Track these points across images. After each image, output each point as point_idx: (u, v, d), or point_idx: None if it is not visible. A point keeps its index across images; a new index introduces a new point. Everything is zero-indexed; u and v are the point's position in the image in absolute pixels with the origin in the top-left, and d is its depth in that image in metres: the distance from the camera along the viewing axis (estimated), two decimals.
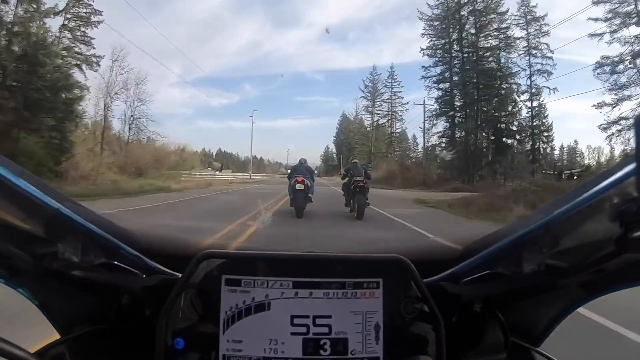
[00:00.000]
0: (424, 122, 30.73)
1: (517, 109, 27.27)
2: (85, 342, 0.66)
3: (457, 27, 28.71)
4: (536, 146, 26.92)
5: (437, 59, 30.27)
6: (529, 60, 26.51)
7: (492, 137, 27.20)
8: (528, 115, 27.18)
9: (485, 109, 27.64)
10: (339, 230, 7.49)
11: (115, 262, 0.62)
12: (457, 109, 29.21)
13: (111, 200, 11.35)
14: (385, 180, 28.12)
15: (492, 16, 27.36)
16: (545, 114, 27.17)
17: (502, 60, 27.45)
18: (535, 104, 26.96)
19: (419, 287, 0.64)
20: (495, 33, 27.53)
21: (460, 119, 29.16)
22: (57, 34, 19.05)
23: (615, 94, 20.99)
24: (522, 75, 26.81)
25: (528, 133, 27.14)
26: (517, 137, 27.34)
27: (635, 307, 2.77)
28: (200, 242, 0.80)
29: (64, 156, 16.47)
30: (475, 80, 27.59)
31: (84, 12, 20.29)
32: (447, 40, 29.58)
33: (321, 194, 11.80)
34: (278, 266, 0.65)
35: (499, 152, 25.85)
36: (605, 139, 21.93)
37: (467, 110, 28.50)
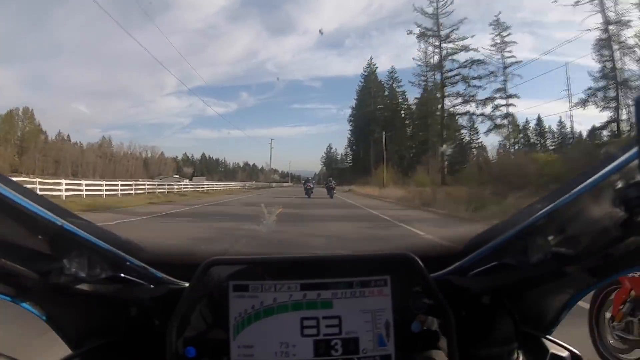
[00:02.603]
0: None
1: None
2: (96, 356, 0.66)
3: None
4: None
5: None
6: None
7: None
8: None
9: None
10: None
11: (122, 275, 0.62)
12: None
13: None
14: None
15: None
16: None
17: None
18: None
19: (427, 282, 0.64)
20: None
21: None
22: None
23: None
24: None
25: None
26: None
27: None
28: (206, 249, 0.80)
29: None
30: None
31: None
32: None
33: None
34: (285, 269, 0.65)
35: None
36: None
37: None
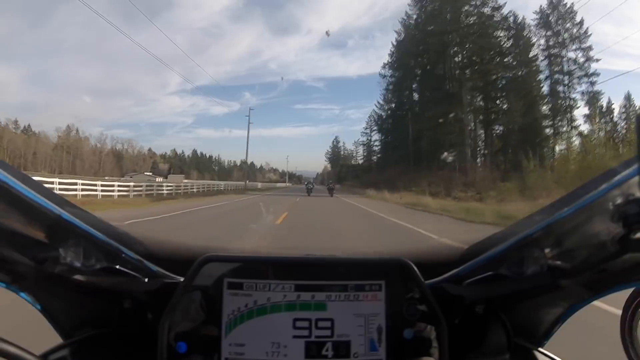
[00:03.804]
0: None
1: None
2: (87, 346, 0.66)
3: None
4: None
5: None
6: None
7: None
8: None
9: None
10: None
11: (117, 267, 0.62)
12: None
13: None
14: None
15: None
16: None
17: None
18: None
19: (422, 288, 0.64)
20: None
21: None
22: None
23: None
24: None
25: None
26: None
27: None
28: (202, 246, 0.79)
29: None
30: None
31: None
32: None
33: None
34: (280, 269, 0.65)
35: None
36: None
37: None
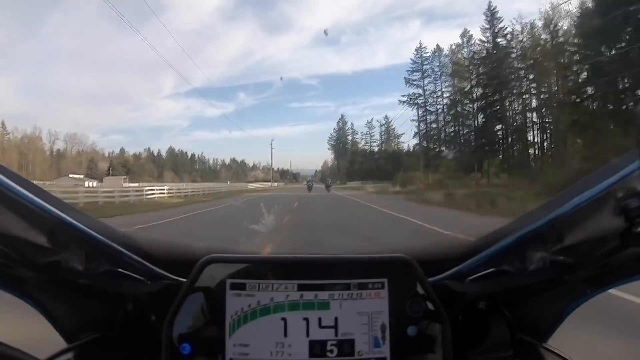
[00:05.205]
0: None
1: None
2: (91, 349, 0.66)
3: None
4: None
5: None
6: None
7: None
8: None
9: None
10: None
11: (119, 269, 0.62)
12: None
13: None
14: None
15: None
16: None
17: None
18: None
19: (424, 286, 0.64)
20: None
21: None
22: None
23: None
24: None
25: None
26: None
27: None
28: (204, 247, 0.79)
29: None
30: None
31: None
32: None
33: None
34: (282, 269, 0.65)
35: None
36: None
37: None
